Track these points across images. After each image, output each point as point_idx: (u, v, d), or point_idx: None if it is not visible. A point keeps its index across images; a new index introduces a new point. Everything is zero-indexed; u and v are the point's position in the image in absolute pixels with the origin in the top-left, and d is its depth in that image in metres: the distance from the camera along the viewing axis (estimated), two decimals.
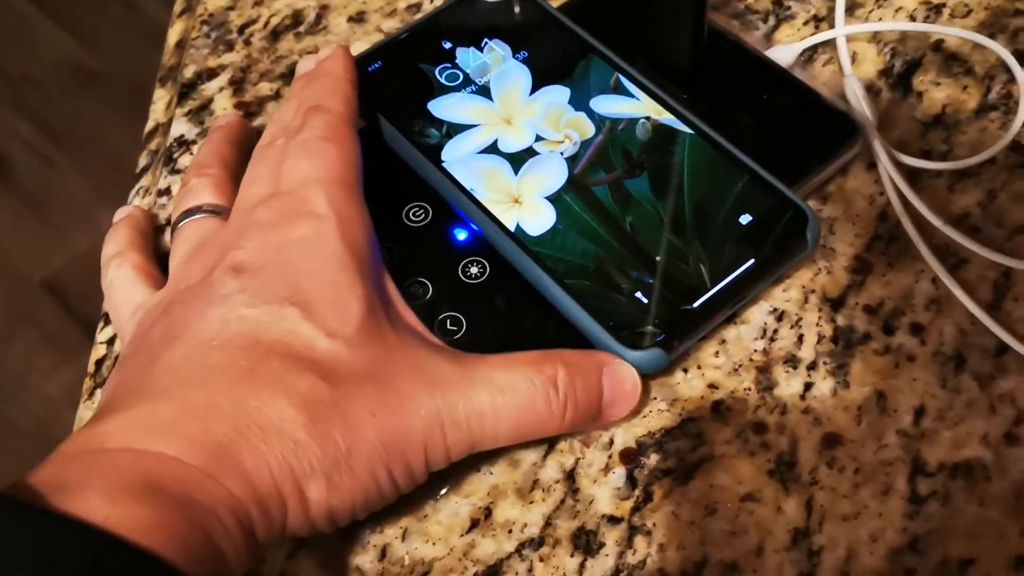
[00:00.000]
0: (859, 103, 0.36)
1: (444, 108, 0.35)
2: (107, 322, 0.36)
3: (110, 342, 0.36)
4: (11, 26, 1.89)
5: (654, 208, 0.32)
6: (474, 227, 0.33)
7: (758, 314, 0.33)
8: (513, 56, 0.36)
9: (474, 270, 0.33)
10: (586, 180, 0.33)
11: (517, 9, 0.38)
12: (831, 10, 0.40)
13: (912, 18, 0.40)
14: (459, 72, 0.36)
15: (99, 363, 0.36)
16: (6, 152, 1.71)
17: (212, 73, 0.41)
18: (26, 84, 1.80)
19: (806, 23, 0.40)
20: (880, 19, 0.40)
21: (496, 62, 0.36)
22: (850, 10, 0.40)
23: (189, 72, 0.41)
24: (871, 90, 0.38)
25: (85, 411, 0.35)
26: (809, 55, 0.39)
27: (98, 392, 0.35)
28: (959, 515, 0.29)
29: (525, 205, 0.33)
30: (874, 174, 0.36)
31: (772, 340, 0.33)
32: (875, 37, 0.39)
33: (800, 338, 0.33)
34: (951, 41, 0.39)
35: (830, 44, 0.39)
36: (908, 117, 0.37)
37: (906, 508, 0.29)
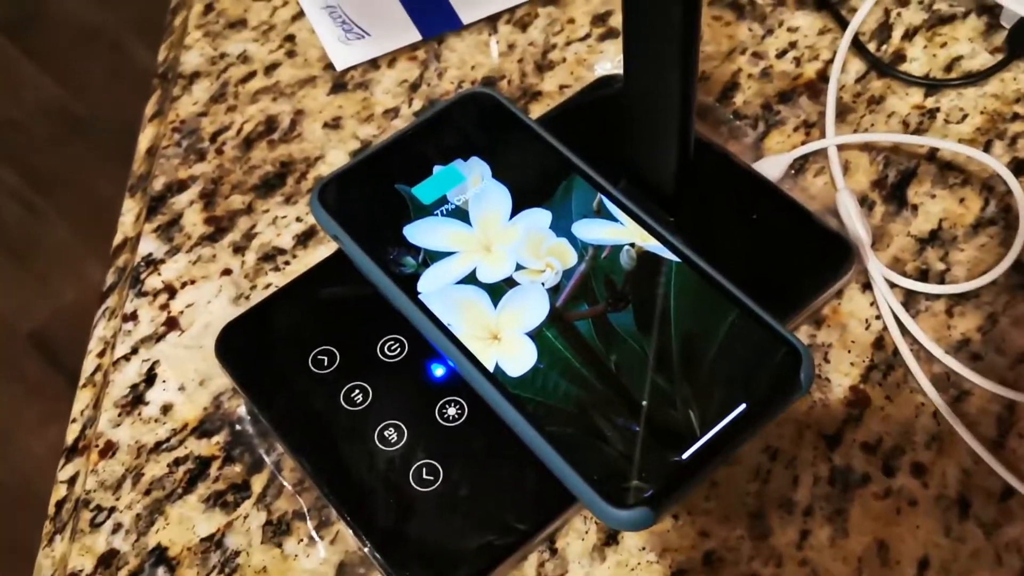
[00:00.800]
0: (852, 222, 0.35)
1: (420, 233, 0.34)
2: (68, 459, 0.35)
3: (71, 482, 0.34)
4: None
5: (640, 345, 0.31)
6: (452, 363, 0.32)
7: (751, 453, 0.32)
8: (492, 176, 0.35)
9: (452, 411, 0.31)
10: (568, 314, 0.31)
11: (496, 124, 0.36)
12: (821, 115, 0.39)
13: (906, 124, 0.39)
14: (436, 192, 0.35)
15: (59, 504, 0.34)
16: None
17: (183, 185, 0.39)
18: (10, 129, 1.78)
19: (796, 129, 0.39)
20: (872, 124, 0.39)
21: (475, 183, 0.35)
22: (841, 115, 0.39)
23: (159, 184, 0.40)
24: (864, 202, 0.37)
25: (44, 559, 0.33)
26: (800, 163, 0.38)
27: (57, 538, 0.33)
28: None
29: (504, 342, 0.31)
30: (869, 296, 0.34)
31: (765, 482, 0.31)
32: (868, 147, 0.38)
33: (795, 479, 0.31)
34: (946, 152, 0.38)
35: (821, 154, 0.38)
36: (903, 233, 0.36)
37: None
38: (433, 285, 0.32)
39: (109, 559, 0.31)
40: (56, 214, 1.67)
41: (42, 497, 1.21)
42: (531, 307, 0.32)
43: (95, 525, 0.32)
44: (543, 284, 0.32)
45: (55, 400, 1.47)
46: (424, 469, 0.30)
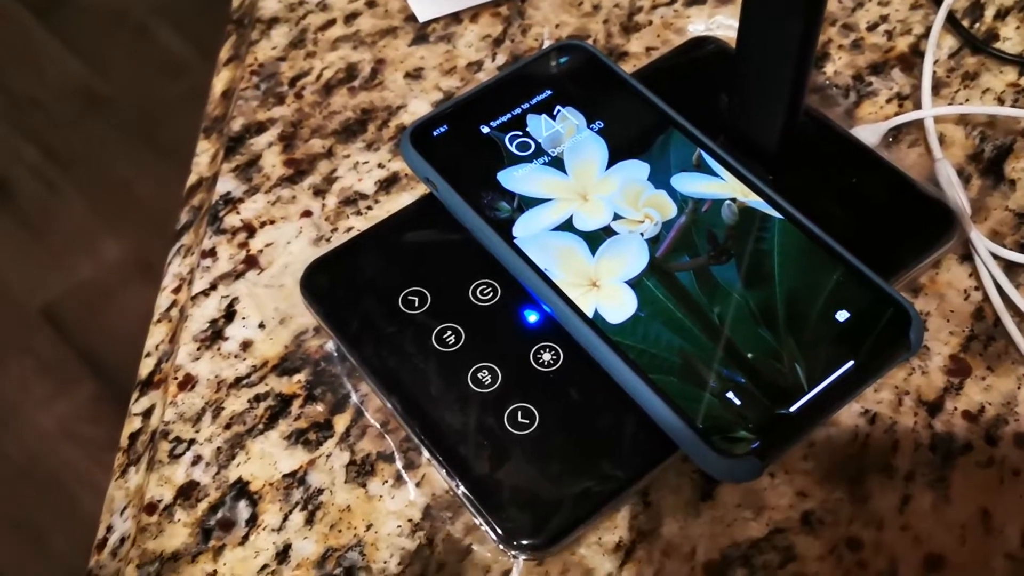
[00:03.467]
0: (954, 190, 0.34)
1: (515, 180, 0.33)
2: (143, 392, 0.34)
3: (146, 414, 0.33)
4: (19, 47, 1.88)
5: (743, 298, 0.30)
6: (547, 309, 0.31)
7: (849, 416, 0.31)
8: (588, 126, 0.34)
9: (547, 357, 0.31)
10: (669, 265, 0.31)
11: (590, 76, 0.36)
12: (915, 88, 0.39)
13: (1000, 100, 0.38)
14: (531, 141, 0.34)
15: (133, 436, 0.33)
16: (9, 175, 1.68)
17: (261, 127, 0.39)
18: (32, 106, 1.78)
19: (888, 100, 0.38)
20: (967, 100, 0.38)
21: (570, 132, 0.34)
22: (935, 89, 0.39)
23: (237, 125, 0.39)
24: (961, 175, 0.36)
25: (116, 490, 0.32)
26: (893, 135, 0.37)
27: (131, 469, 0.32)
28: None
29: (604, 289, 0.30)
30: (968, 267, 0.34)
31: (864, 444, 0.30)
32: (963, 119, 0.37)
33: (895, 445, 0.30)
34: None
35: (916, 125, 0.37)
36: (1001, 207, 0.35)
37: None
38: (528, 230, 0.32)
39: (189, 490, 0.30)
40: (74, 191, 1.66)
41: (49, 471, 1.21)
42: (630, 256, 0.31)
43: (174, 456, 0.31)
44: (642, 234, 0.31)
45: (64, 376, 1.46)
46: (519, 412, 0.30)
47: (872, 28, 0.41)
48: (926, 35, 0.40)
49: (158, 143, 1.71)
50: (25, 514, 1.33)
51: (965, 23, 0.41)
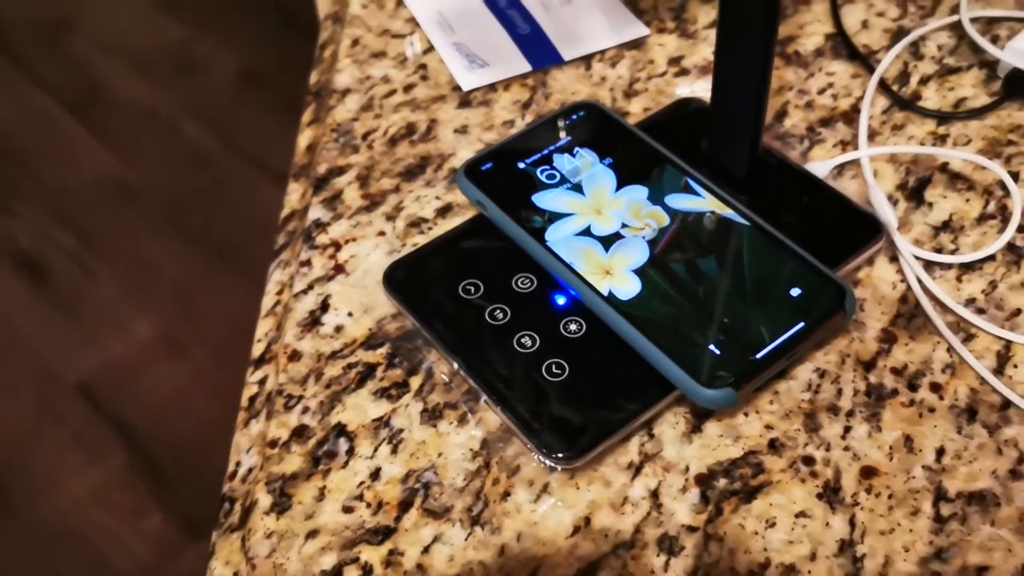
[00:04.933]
0: (883, 208, 0.44)
1: (546, 200, 0.43)
2: (257, 367, 0.43)
3: (261, 383, 0.43)
4: (55, 141, 2.01)
5: (721, 281, 0.40)
6: (572, 293, 0.41)
7: (804, 372, 0.40)
8: (600, 162, 0.45)
9: (573, 327, 0.40)
10: (665, 258, 0.41)
11: (601, 126, 0.46)
12: (854, 136, 0.49)
13: (921, 143, 0.49)
14: (556, 173, 0.44)
15: (252, 399, 0.42)
16: (46, 258, 1.79)
17: (341, 170, 0.49)
18: (67, 196, 1.90)
19: (834, 145, 0.49)
20: (895, 143, 0.49)
21: (586, 166, 0.45)
22: (870, 137, 0.49)
23: (322, 168, 0.49)
24: (890, 199, 0.46)
25: (241, 437, 0.41)
26: (838, 171, 0.48)
27: (252, 422, 0.41)
28: (975, 533, 0.36)
29: (615, 276, 0.40)
30: (896, 266, 0.44)
31: (816, 392, 0.40)
32: (893, 158, 0.48)
33: (839, 391, 0.40)
34: (955, 164, 0.47)
35: (855, 162, 0.48)
36: (922, 222, 0.45)
37: (932, 526, 0.36)
38: (557, 236, 0.42)
39: (301, 431, 0.39)
40: (106, 274, 1.77)
41: (81, 535, 1.30)
42: (635, 253, 0.41)
43: (288, 408, 0.40)
44: (644, 237, 0.42)
45: (97, 446, 1.54)
46: (553, 366, 0.39)
47: (821, 92, 0.52)
48: (863, 97, 0.51)
49: (185, 228, 1.83)
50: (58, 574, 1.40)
51: (895, 87, 0.51)
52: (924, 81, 0.52)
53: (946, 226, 0.45)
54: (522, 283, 0.42)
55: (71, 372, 1.63)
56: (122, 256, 1.80)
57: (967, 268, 0.43)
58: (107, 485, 1.50)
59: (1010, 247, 0.44)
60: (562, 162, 0.45)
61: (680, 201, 0.43)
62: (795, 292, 0.39)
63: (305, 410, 0.40)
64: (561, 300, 0.41)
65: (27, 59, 2.14)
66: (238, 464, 0.40)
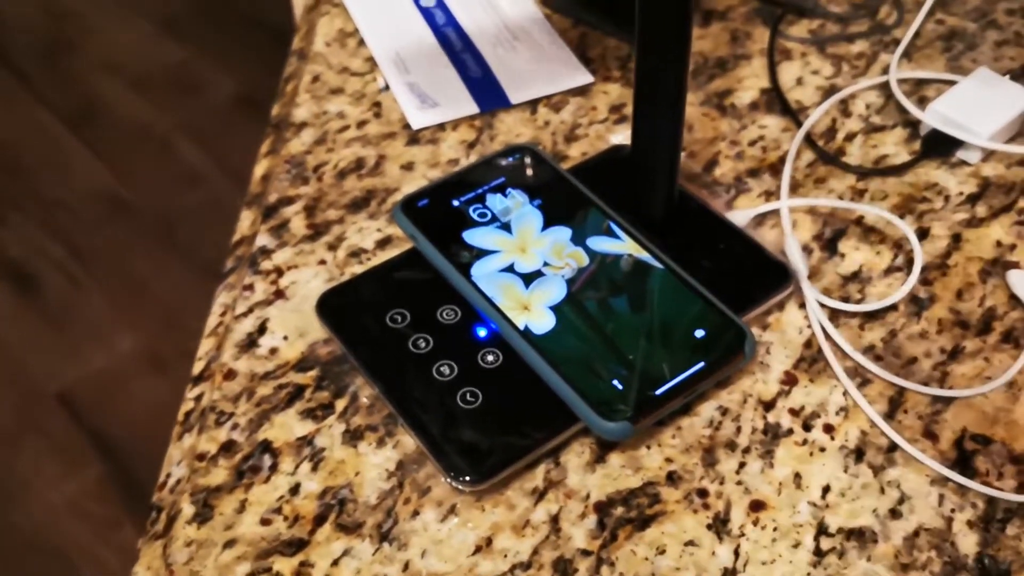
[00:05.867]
0: (795, 257, 0.47)
1: (475, 237, 0.46)
2: (195, 383, 0.46)
3: (197, 399, 0.45)
4: (52, 155, 2.04)
5: (630, 320, 0.42)
6: (492, 326, 0.43)
7: (707, 409, 0.43)
8: (530, 203, 0.47)
9: (490, 358, 0.43)
10: (580, 296, 0.43)
11: (535, 168, 0.49)
12: (778, 187, 0.52)
13: (840, 198, 0.51)
14: (488, 211, 0.47)
15: (187, 414, 0.45)
16: (36, 270, 1.82)
17: (291, 200, 0.52)
18: (61, 209, 1.93)
19: (759, 195, 0.52)
20: (816, 197, 0.51)
21: (517, 206, 0.47)
22: (793, 188, 0.52)
23: (272, 198, 0.52)
24: (806, 249, 0.49)
25: (174, 450, 0.43)
26: (760, 220, 0.50)
27: (186, 435, 0.44)
28: (851, 567, 0.38)
29: (533, 312, 0.43)
30: (803, 312, 0.46)
31: (717, 428, 0.42)
32: (812, 210, 0.51)
33: (738, 429, 0.42)
34: (870, 217, 0.50)
35: (776, 213, 0.50)
36: (833, 272, 0.48)
37: (811, 559, 0.38)
38: (482, 272, 0.44)
39: (229, 446, 0.42)
40: (95, 287, 1.80)
41: (55, 546, 1.32)
42: (553, 290, 0.44)
43: (219, 424, 0.43)
44: (563, 276, 0.44)
45: (75, 457, 1.56)
46: (468, 394, 0.41)
47: (752, 143, 0.54)
48: (789, 149, 0.53)
49: (175, 246, 1.86)
50: None
51: (821, 142, 0.54)
52: (850, 137, 0.55)
53: (855, 276, 0.48)
54: (446, 315, 0.45)
55: (53, 382, 1.65)
56: (111, 270, 1.82)
57: (870, 317, 0.46)
58: (83, 496, 1.52)
59: (912, 299, 0.47)
60: (494, 201, 0.48)
61: (601, 243, 0.45)
62: (699, 333, 0.42)
63: (235, 426, 0.43)
64: (482, 332, 0.44)
65: (30, 74, 2.18)
66: (168, 475, 0.43)
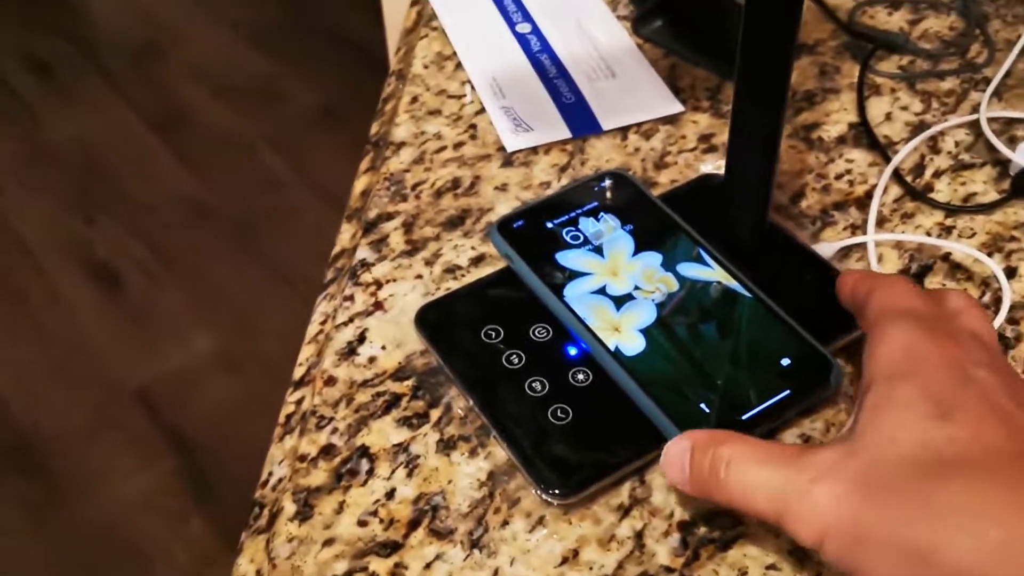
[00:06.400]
0: None
1: (568, 259, 0.48)
2: (296, 388, 0.48)
3: (298, 403, 0.47)
4: (140, 158, 2.11)
5: (718, 346, 0.44)
6: (583, 345, 0.45)
7: (790, 436, 0.44)
8: (621, 227, 0.49)
9: (580, 376, 0.44)
10: (670, 320, 0.45)
11: (626, 194, 0.51)
12: (865, 221, 0.53)
13: (928, 234, 0.52)
14: (581, 234, 0.49)
15: (288, 417, 0.47)
16: (120, 268, 1.88)
17: (390, 216, 0.54)
18: (146, 211, 2.00)
19: (844, 228, 0.53)
20: (903, 232, 0.52)
21: (608, 230, 0.49)
22: (880, 223, 0.53)
23: (372, 213, 0.54)
24: None
25: (276, 450, 0.46)
26: (845, 252, 0.51)
27: (287, 437, 0.46)
28: None
29: (623, 333, 0.44)
30: None
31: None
32: (898, 245, 0.51)
33: None
34: (957, 254, 0.51)
35: (862, 246, 0.51)
36: None
37: None
38: (575, 292, 0.46)
39: (328, 449, 0.44)
40: (175, 287, 1.85)
41: (125, 537, 1.37)
42: (643, 313, 0.45)
43: (319, 428, 0.45)
44: (653, 300, 0.46)
45: (150, 451, 1.61)
46: (559, 410, 0.43)
47: (839, 177, 0.55)
48: (877, 184, 0.54)
49: (253, 250, 1.91)
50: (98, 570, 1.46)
51: (909, 178, 0.55)
52: (938, 174, 0.55)
53: None
54: (539, 332, 0.46)
55: (132, 378, 1.71)
56: (191, 272, 1.88)
57: None
58: (155, 490, 1.56)
59: (999, 337, 0.47)
60: (587, 225, 0.49)
61: (690, 270, 0.47)
62: (785, 362, 0.43)
63: (334, 431, 0.45)
64: (572, 351, 0.45)
65: (120, 79, 2.26)
66: (270, 474, 0.45)
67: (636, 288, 0.46)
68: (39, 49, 2.34)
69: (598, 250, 0.48)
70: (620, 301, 0.46)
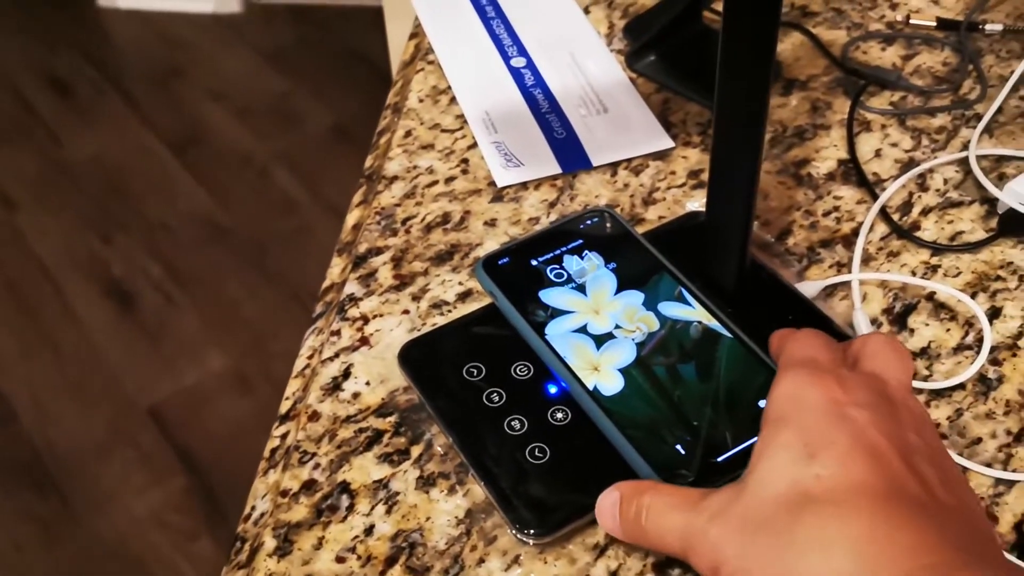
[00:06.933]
0: (863, 331, 0.48)
1: (551, 297, 0.48)
2: (282, 422, 0.49)
3: (282, 437, 0.48)
4: (157, 178, 2.13)
5: (696, 387, 0.44)
6: (563, 384, 0.45)
7: None
8: (605, 265, 0.49)
9: (559, 415, 0.45)
10: (649, 360, 0.45)
11: (611, 231, 0.51)
12: (851, 259, 0.53)
13: (913, 272, 0.52)
14: (564, 272, 0.49)
15: (273, 451, 0.48)
16: (135, 288, 1.90)
17: (379, 250, 0.55)
18: (162, 230, 2.02)
19: (831, 266, 0.53)
20: (888, 270, 0.52)
21: (592, 268, 0.49)
22: (865, 261, 0.53)
23: (362, 248, 0.55)
24: (875, 323, 0.50)
25: (259, 484, 0.46)
26: (830, 291, 0.51)
27: (271, 471, 0.47)
28: None
29: (602, 372, 0.45)
30: None
31: None
32: (883, 284, 0.51)
33: None
34: (941, 294, 0.51)
35: (847, 285, 0.51)
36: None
37: None
38: (556, 331, 0.47)
39: (310, 485, 0.45)
40: (189, 306, 1.87)
41: (135, 553, 1.38)
42: (623, 352, 0.45)
43: (301, 463, 0.45)
44: (633, 339, 0.46)
45: (161, 469, 1.62)
46: (537, 449, 0.44)
47: (826, 214, 0.55)
48: (864, 221, 0.54)
49: (266, 271, 1.93)
50: None
51: (896, 215, 0.55)
52: (925, 212, 0.55)
53: (924, 352, 0.48)
54: (520, 371, 0.47)
55: (144, 396, 1.72)
56: (205, 291, 1.90)
57: (937, 394, 0.47)
58: (165, 507, 1.58)
59: (981, 378, 0.47)
60: (571, 263, 0.50)
61: (672, 309, 0.47)
62: (762, 403, 0.43)
63: (316, 466, 0.45)
64: (553, 389, 0.46)
65: (139, 100, 2.29)
66: (253, 508, 0.46)
67: (617, 327, 0.47)
68: (59, 68, 2.37)
69: (581, 288, 0.48)
70: (601, 340, 0.46)
